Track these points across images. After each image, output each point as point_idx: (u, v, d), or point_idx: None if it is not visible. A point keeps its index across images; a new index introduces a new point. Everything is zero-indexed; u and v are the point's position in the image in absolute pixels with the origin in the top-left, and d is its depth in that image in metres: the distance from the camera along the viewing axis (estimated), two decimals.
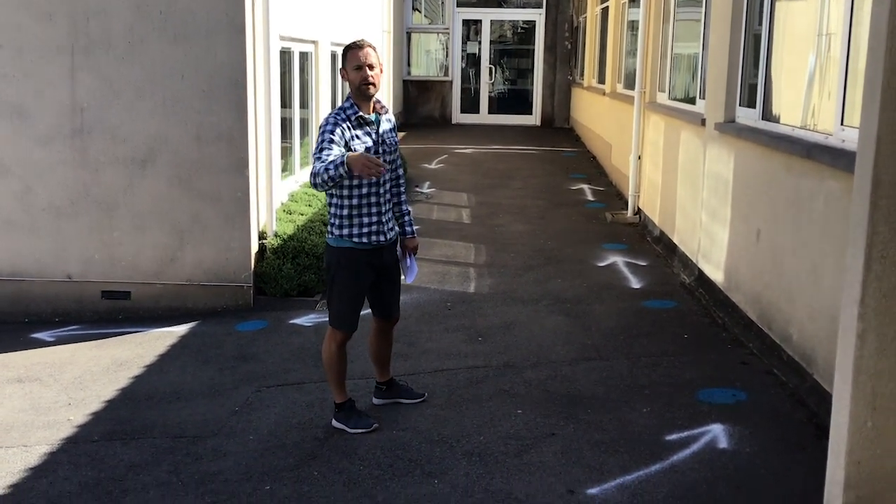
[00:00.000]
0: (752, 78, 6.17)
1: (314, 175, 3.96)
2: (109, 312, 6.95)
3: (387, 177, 4.39)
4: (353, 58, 4.23)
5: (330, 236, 4.38)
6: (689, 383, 4.98)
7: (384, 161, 4.29)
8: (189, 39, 6.61)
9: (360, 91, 4.24)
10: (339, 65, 4.44)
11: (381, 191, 4.35)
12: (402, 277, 4.70)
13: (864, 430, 2.92)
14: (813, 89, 5.17)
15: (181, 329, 6.42)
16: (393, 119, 4.51)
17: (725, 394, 4.81)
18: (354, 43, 4.29)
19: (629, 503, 3.70)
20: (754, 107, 5.96)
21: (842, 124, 4.48)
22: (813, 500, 3.46)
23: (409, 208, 4.71)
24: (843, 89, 4.45)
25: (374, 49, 4.29)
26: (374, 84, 4.23)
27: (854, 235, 2.90)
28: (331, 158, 3.96)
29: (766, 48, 5.83)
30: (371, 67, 4.21)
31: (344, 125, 4.18)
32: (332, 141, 4.08)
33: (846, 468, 2.96)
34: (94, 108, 6.75)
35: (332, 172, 3.89)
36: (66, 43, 6.68)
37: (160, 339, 6.20)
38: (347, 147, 4.14)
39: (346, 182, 4.21)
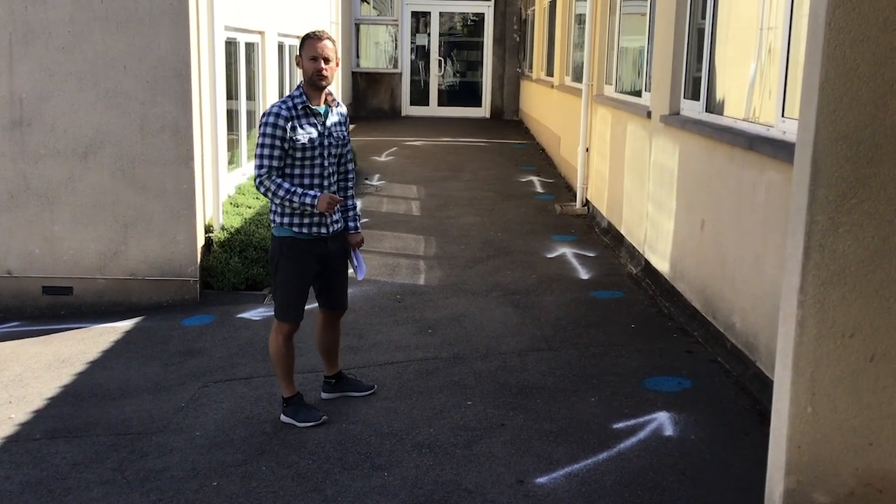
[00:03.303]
0: (696, 71, 6.26)
1: (270, 191, 4.19)
2: (51, 308, 6.80)
3: (331, 170, 4.38)
4: (310, 47, 4.25)
5: (273, 225, 4.37)
6: (636, 372, 5.04)
7: (330, 154, 4.36)
8: (132, 29, 6.48)
9: (312, 82, 4.26)
10: (288, 56, 4.45)
11: (326, 183, 4.34)
12: (352, 273, 4.68)
13: (804, 416, 2.99)
14: (755, 82, 5.26)
15: (125, 324, 6.31)
16: (345, 112, 4.52)
17: (671, 382, 4.89)
18: (314, 33, 4.31)
19: (577, 491, 3.74)
20: (698, 99, 6.05)
21: (783, 116, 4.56)
22: (756, 486, 3.53)
23: (356, 203, 4.68)
24: (784, 82, 4.54)
25: (333, 42, 4.34)
26: (326, 77, 4.26)
27: (793, 225, 2.96)
28: (299, 192, 4.16)
29: (710, 41, 5.92)
30: (326, 61, 4.24)
31: (284, 123, 4.17)
32: (273, 146, 4.18)
33: (787, 453, 3.02)
34: (33, 100, 6.58)
35: (295, 203, 4.15)
36: (2, 32, 6.50)
37: (104, 335, 6.09)
38: (290, 142, 4.18)
39: (289, 171, 4.26)
